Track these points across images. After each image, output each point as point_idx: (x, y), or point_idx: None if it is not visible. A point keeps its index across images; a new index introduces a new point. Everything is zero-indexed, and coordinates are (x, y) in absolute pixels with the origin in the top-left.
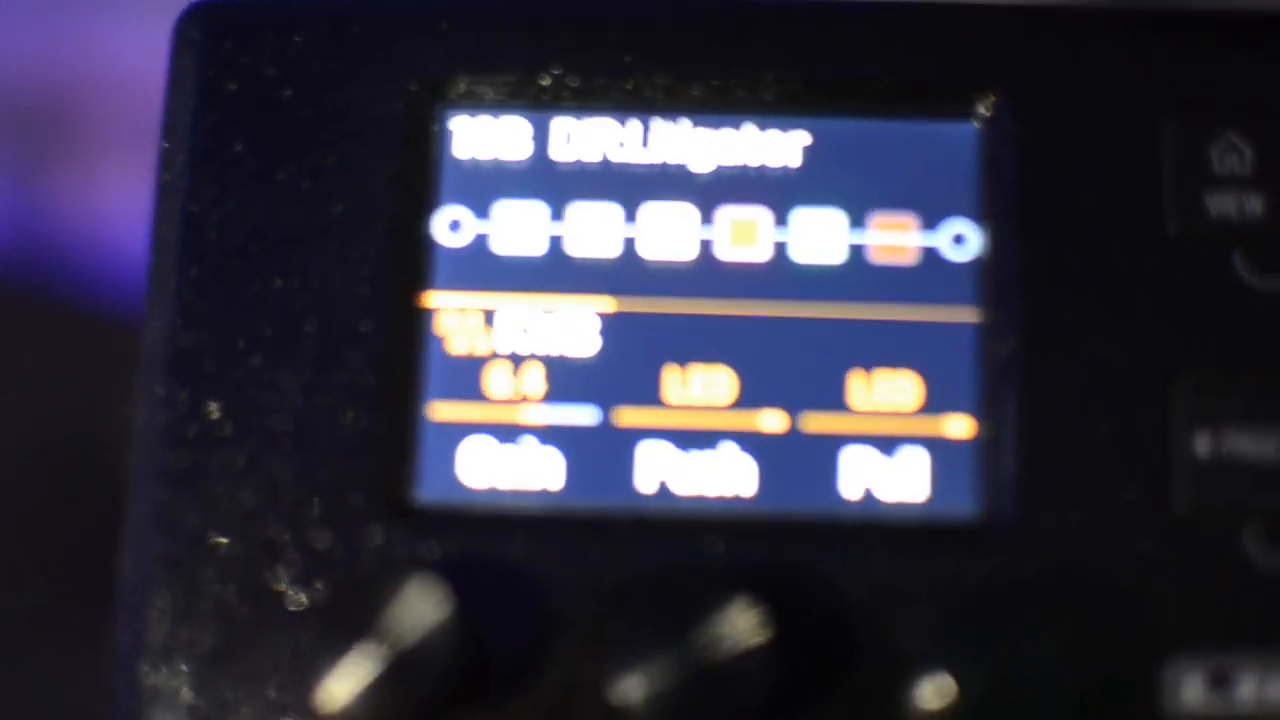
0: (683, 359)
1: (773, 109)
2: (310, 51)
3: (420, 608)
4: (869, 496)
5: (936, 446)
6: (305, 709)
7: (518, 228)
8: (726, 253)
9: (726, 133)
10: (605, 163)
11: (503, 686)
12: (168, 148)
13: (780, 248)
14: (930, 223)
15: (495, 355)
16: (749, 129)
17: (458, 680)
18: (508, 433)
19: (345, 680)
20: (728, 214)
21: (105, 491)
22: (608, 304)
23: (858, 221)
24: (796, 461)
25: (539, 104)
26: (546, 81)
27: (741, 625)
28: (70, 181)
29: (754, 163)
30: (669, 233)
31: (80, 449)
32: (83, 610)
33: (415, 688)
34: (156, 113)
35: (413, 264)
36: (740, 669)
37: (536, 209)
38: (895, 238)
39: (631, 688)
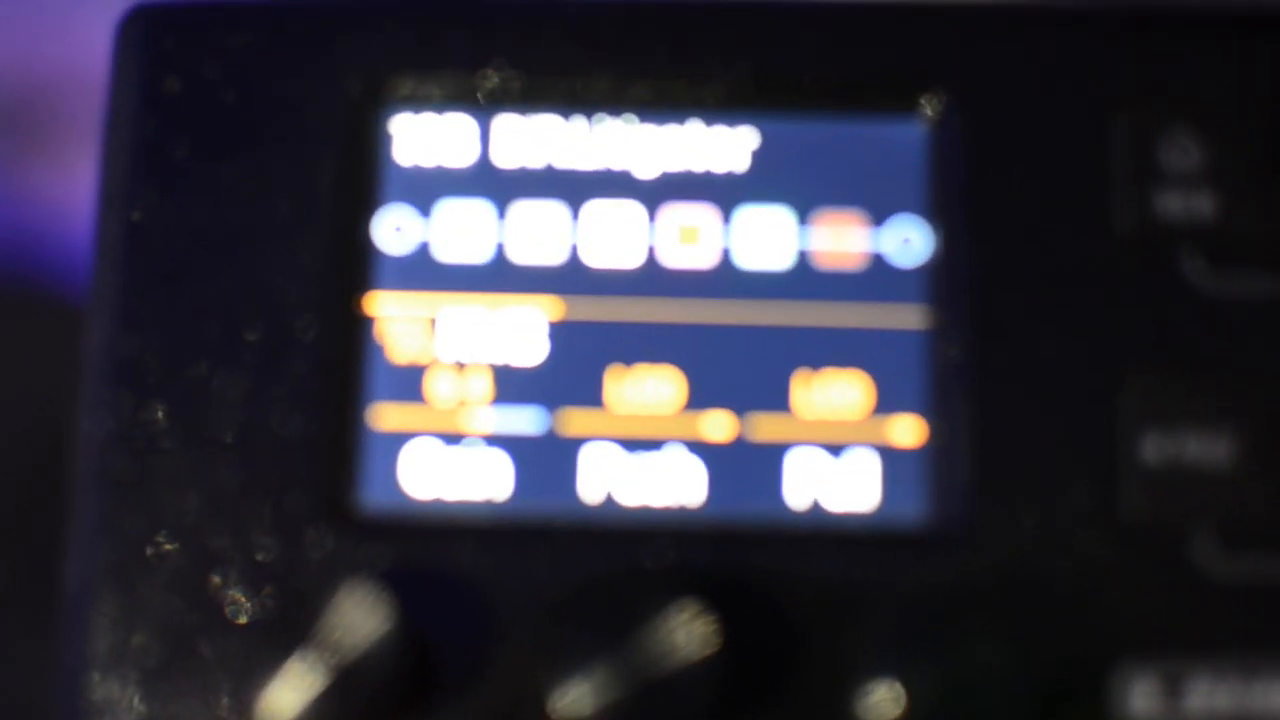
0: (628, 362)
1: (718, 106)
2: (251, 53)
3: (363, 618)
4: (815, 504)
5: (885, 451)
6: (251, 716)
7: (461, 230)
8: (672, 256)
9: (672, 130)
10: (548, 164)
11: (448, 697)
12: (109, 149)
13: (726, 252)
14: (878, 220)
15: (439, 360)
16: (695, 126)
17: (402, 691)
18: (451, 439)
19: (289, 691)
20: (673, 215)
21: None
22: (552, 307)
23: (804, 219)
24: (743, 467)
25: (481, 103)
26: (489, 80)
27: (689, 635)
28: (48, 176)
29: (699, 161)
30: (614, 235)
31: (52, 440)
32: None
33: (359, 698)
34: None
35: (355, 268)
36: (688, 680)
37: (480, 210)
38: (842, 236)
39: (578, 700)
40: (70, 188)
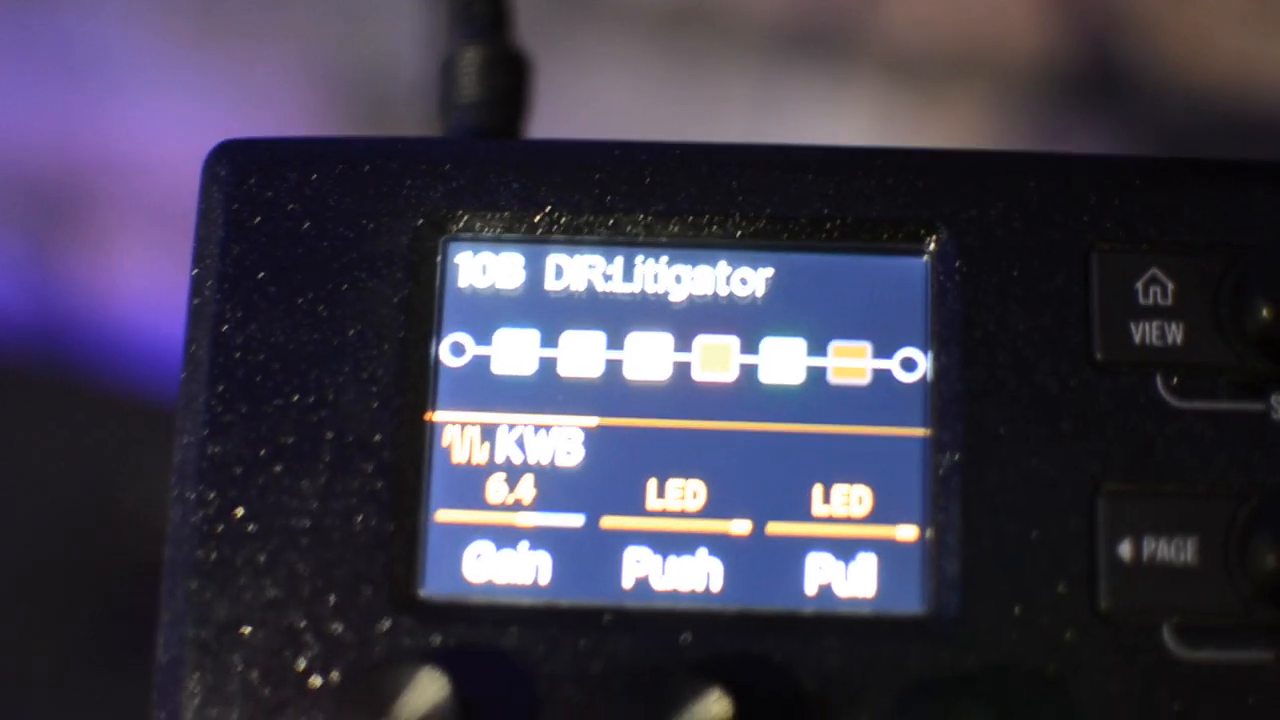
0: (661, 471)
1: (741, 244)
2: (326, 189)
3: (424, 694)
4: (826, 594)
5: (886, 550)
6: None
7: (513, 352)
8: (700, 375)
9: (701, 267)
10: (592, 292)
11: None
12: (198, 274)
13: (748, 370)
14: (883, 349)
15: (493, 466)
16: (721, 263)
17: None
18: (505, 535)
19: None
20: (701, 341)
21: (115, 559)
22: (593, 421)
23: (818, 349)
24: (760, 563)
25: (532, 239)
26: (539, 219)
27: (711, 705)
28: (82, 260)
29: (724, 293)
30: (649, 357)
31: (90, 518)
32: (89, 672)
33: None
34: (168, 196)
35: (419, 383)
36: None
37: (530, 335)
38: (852, 362)
39: None
40: (103, 271)
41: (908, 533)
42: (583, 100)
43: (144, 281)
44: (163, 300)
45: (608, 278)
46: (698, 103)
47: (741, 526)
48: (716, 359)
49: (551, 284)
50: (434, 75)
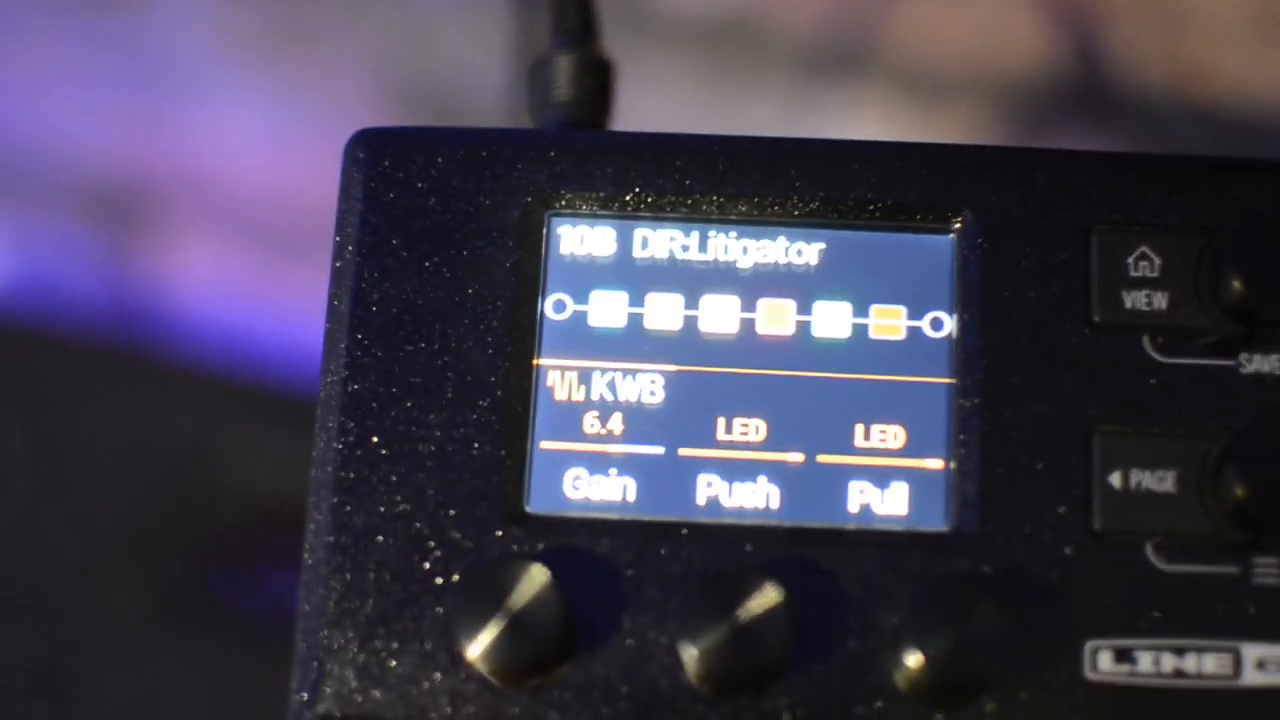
0: (728, 410)
1: (798, 222)
2: (449, 170)
3: (530, 584)
4: (865, 513)
5: (916, 477)
6: (448, 662)
7: (606, 309)
8: (762, 330)
9: (764, 240)
10: (672, 260)
11: (590, 649)
12: (340, 240)
13: (803, 327)
14: (916, 311)
15: (589, 404)
16: (780, 237)
17: (557, 641)
18: (597, 462)
19: (479, 639)
20: (764, 302)
21: (194, 517)
22: (672, 367)
23: (861, 310)
24: (811, 487)
25: (622, 215)
26: (628, 198)
27: (766, 596)
28: (153, 258)
29: (783, 262)
30: (719, 315)
31: (166, 479)
32: (177, 623)
33: (527, 642)
34: (236, 198)
35: (527, 334)
36: (766, 631)
37: (620, 296)
38: (890, 322)
39: (688, 650)
40: (175, 267)
41: (935, 463)
42: (637, 110)
43: (212, 276)
44: (228, 292)
45: (685, 248)
46: (733, 112)
47: (796, 457)
48: (776, 317)
49: (638, 253)
50: (504, 81)
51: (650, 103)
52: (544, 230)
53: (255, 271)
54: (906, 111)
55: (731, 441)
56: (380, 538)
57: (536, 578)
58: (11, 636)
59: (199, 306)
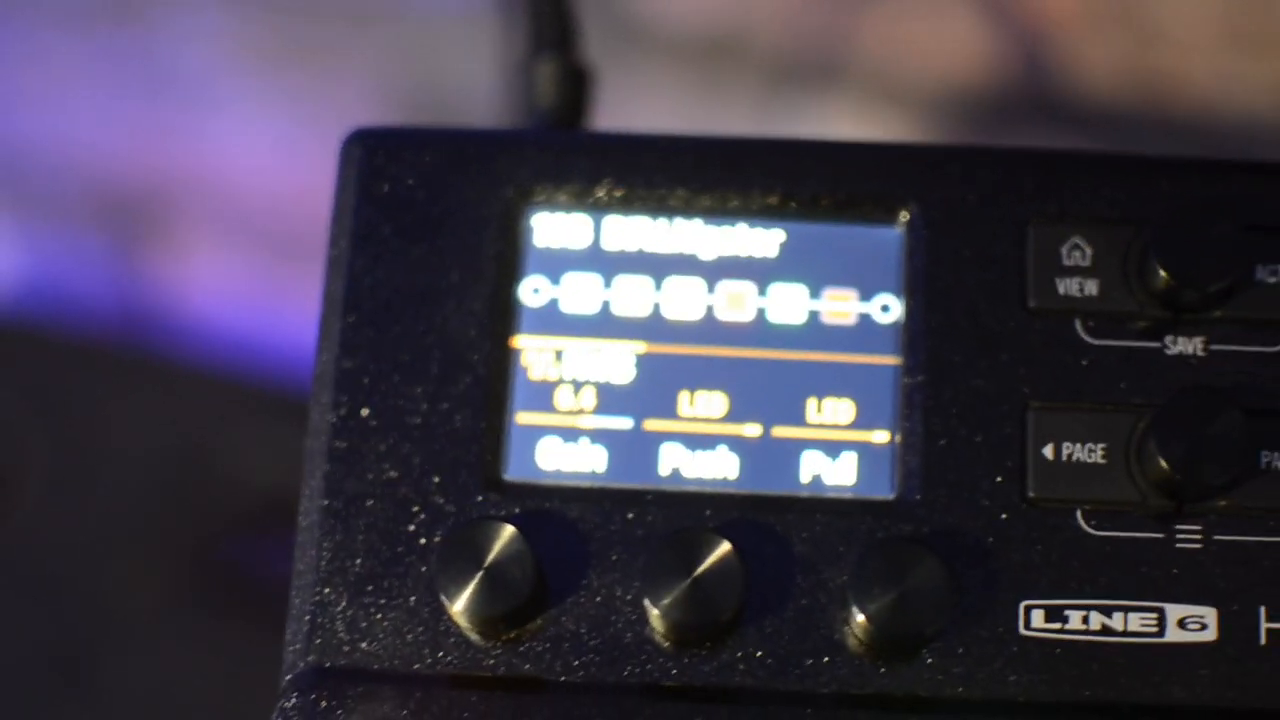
0: (692, 385)
1: (758, 213)
2: (437, 166)
3: (504, 542)
4: (817, 482)
5: (864, 449)
6: (430, 616)
7: (579, 293)
8: (724, 313)
9: (726, 229)
10: (641, 249)
11: (561, 604)
12: (335, 230)
13: (761, 310)
14: (866, 296)
15: (562, 380)
16: (741, 227)
17: (529, 596)
18: (569, 433)
19: (459, 594)
20: (725, 287)
21: (203, 510)
22: (640, 347)
23: (816, 295)
24: (767, 458)
25: (596, 207)
26: (601, 192)
27: (720, 553)
28: (162, 261)
29: (744, 251)
30: (684, 299)
31: (179, 476)
32: (182, 612)
33: (501, 595)
34: (242, 204)
35: (506, 316)
36: (720, 583)
37: (593, 280)
38: (841, 306)
39: (652, 603)
40: (180, 274)
41: (881, 436)
42: (621, 117)
43: (217, 280)
44: (235, 296)
45: (653, 237)
46: (711, 119)
47: (753, 430)
48: (737, 301)
49: (610, 241)
50: (499, 88)
51: (634, 110)
52: (522, 221)
53: (262, 276)
54: (877, 122)
55: (694, 415)
56: (369, 502)
57: (507, 536)
58: (28, 626)
59: (207, 310)
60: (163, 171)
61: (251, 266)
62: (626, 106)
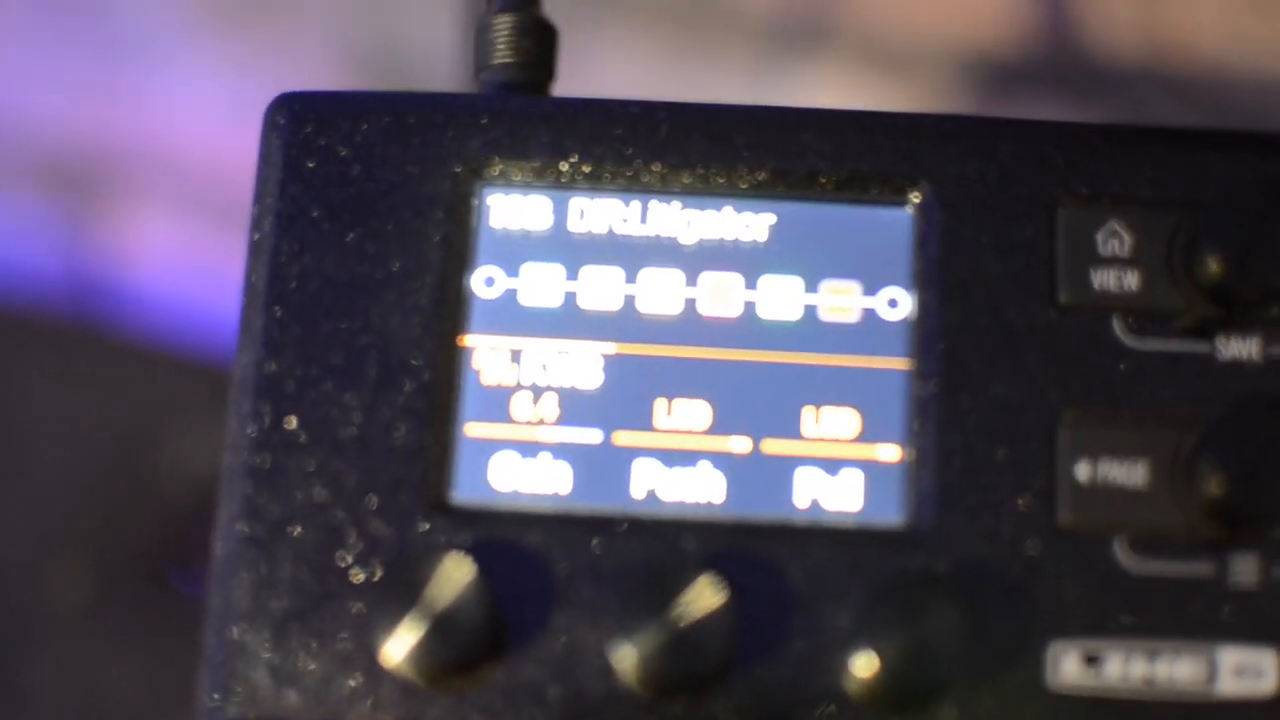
0: (670, 393)
1: (745, 193)
2: (374, 137)
3: (454, 580)
4: (815, 506)
5: (870, 468)
6: (366, 662)
7: (540, 284)
8: (706, 308)
9: (709, 212)
10: (611, 233)
11: (519, 649)
12: (257, 211)
13: (749, 305)
14: (871, 289)
15: (519, 386)
16: (727, 209)
17: (484, 641)
18: (528, 448)
19: (398, 638)
20: (709, 278)
21: (141, 497)
22: (610, 347)
23: (813, 287)
24: (757, 477)
25: (559, 185)
26: (565, 167)
27: (706, 595)
28: (110, 231)
29: (730, 237)
30: (661, 292)
31: (119, 460)
32: (123, 602)
33: (451, 643)
34: (192, 170)
35: (454, 311)
36: (706, 633)
37: (555, 270)
38: (842, 300)
39: (624, 651)
40: (130, 238)
41: (890, 452)
42: (598, 82)
43: (166, 248)
44: (185, 267)
45: (625, 220)
46: (696, 84)
47: (741, 444)
48: (721, 294)
49: (575, 225)
50: (461, 46)
51: (612, 74)
52: (474, 201)
53: (212, 245)
54: (872, 84)
55: (672, 428)
56: (296, 529)
57: (460, 572)
58: None
59: (155, 281)
60: (108, 136)
61: (201, 236)
62: (595, 73)
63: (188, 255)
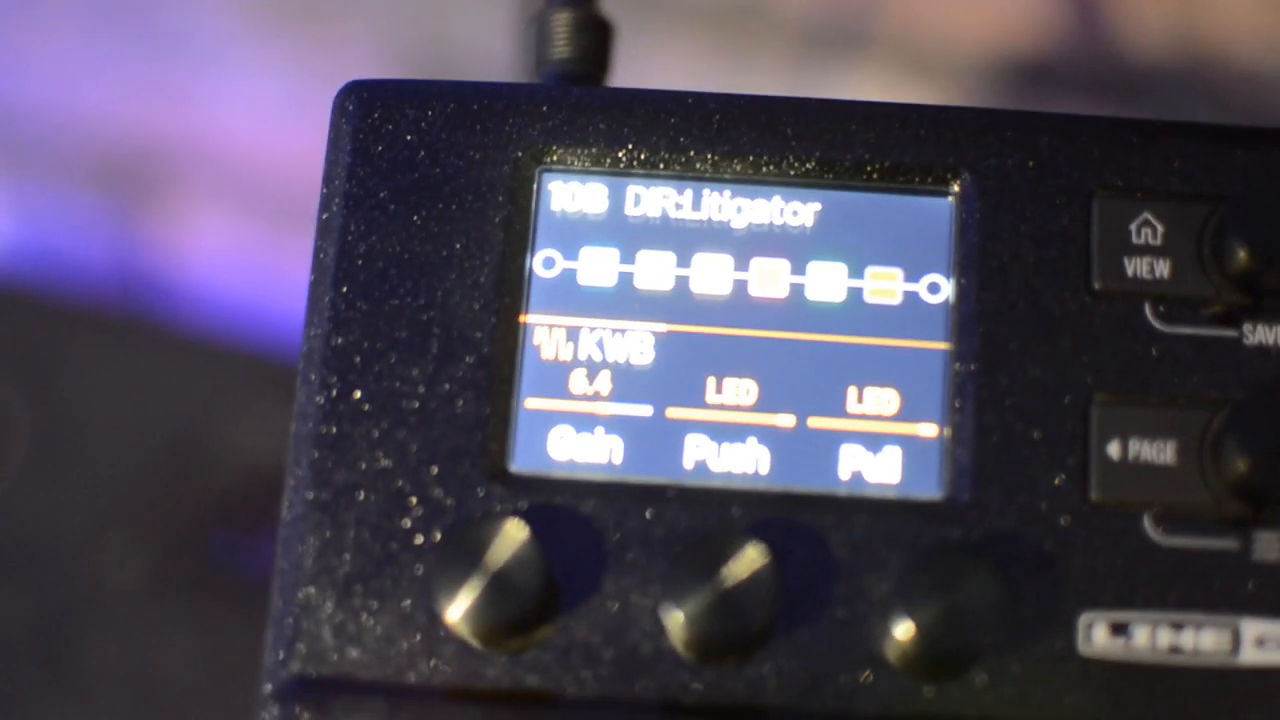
0: (719, 371)
1: (793, 182)
2: (440, 123)
3: (510, 543)
4: (857, 479)
5: (910, 444)
6: (426, 622)
7: (596, 266)
8: (756, 291)
9: (759, 200)
10: (665, 218)
11: (572, 612)
12: (326, 193)
13: (797, 288)
14: (913, 274)
15: (576, 362)
16: (776, 197)
17: (538, 602)
18: (584, 421)
19: (457, 600)
20: (758, 263)
21: (192, 484)
22: (663, 327)
23: (857, 272)
24: (802, 451)
25: (615, 172)
26: (621, 155)
27: (751, 558)
28: (161, 226)
29: (778, 223)
30: (712, 275)
31: (171, 449)
32: (176, 593)
33: (507, 602)
34: (241, 168)
35: (515, 290)
36: (750, 595)
37: (611, 253)
38: (886, 285)
39: (674, 611)
40: (179, 238)
41: (929, 430)
42: (642, 82)
43: (216, 244)
44: (235, 262)
45: (679, 206)
46: (736, 86)
47: (787, 420)
48: (770, 278)
49: (630, 210)
50: (512, 48)
51: (655, 76)
52: (535, 185)
53: (263, 242)
54: (907, 87)
55: (721, 403)
56: (360, 494)
57: (516, 535)
58: (8, 601)
59: (205, 277)
60: (161, 133)
61: (252, 232)
62: (647, 72)
63: (237, 250)
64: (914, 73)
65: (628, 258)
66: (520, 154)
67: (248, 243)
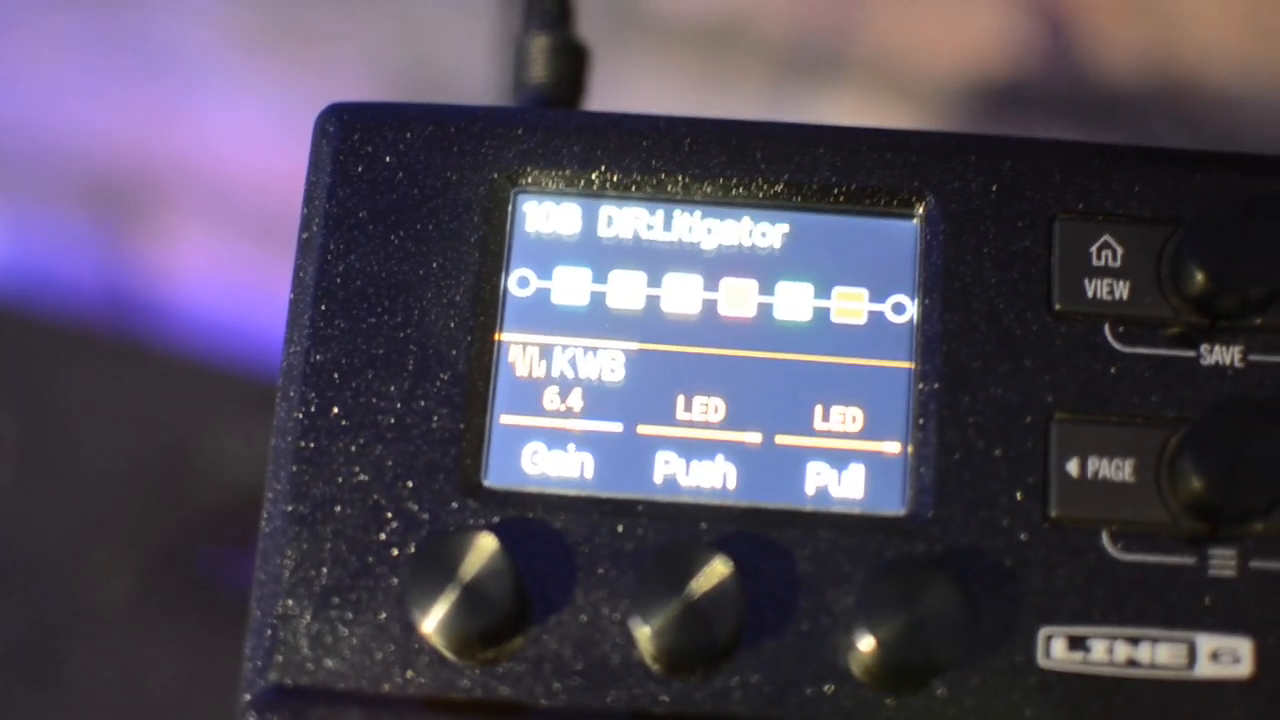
0: (688, 389)
1: (762, 204)
2: (418, 145)
3: (482, 555)
4: (822, 495)
5: (874, 461)
6: (401, 633)
7: (569, 286)
8: (725, 310)
9: (728, 221)
10: (636, 239)
11: (544, 624)
12: (307, 213)
13: (765, 308)
14: (878, 295)
15: (549, 379)
16: (745, 219)
17: (510, 614)
18: (556, 437)
19: (431, 611)
20: (727, 283)
21: (177, 500)
22: (634, 345)
23: (824, 293)
24: (768, 467)
25: (588, 193)
26: (594, 176)
27: (717, 572)
28: (149, 247)
29: (747, 244)
30: (682, 294)
31: (157, 465)
32: (162, 607)
33: (479, 617)
34: (228, 189)
35: (489, 309)
36: (716, 606)
37: (583, 273)
38: (851, 305)
39: (643, 623)
40: (167, 258)
41: (892, 447)
42: (621, 108)
43: (203, 264)
44: (223, 283)
45: (650, 227)
46: (717, 108)
47: (754, 437)
48: (738, 298)
49: (603, 231)
50: (494, 69)
51: (632, 99)
52: (510, 207)
53: (250, 262)
54: (884, 111)
55: (690, 420)
56: (338, 508)
57: (488, 548)
58: None
59: (193, 295)
60: (150, 153)
61: (240, 252)
62: (625, 95)
63: (225, 270)
64: (891, 95)
65: (600, 277)
66: (496, 175)
67: (235, 263)
